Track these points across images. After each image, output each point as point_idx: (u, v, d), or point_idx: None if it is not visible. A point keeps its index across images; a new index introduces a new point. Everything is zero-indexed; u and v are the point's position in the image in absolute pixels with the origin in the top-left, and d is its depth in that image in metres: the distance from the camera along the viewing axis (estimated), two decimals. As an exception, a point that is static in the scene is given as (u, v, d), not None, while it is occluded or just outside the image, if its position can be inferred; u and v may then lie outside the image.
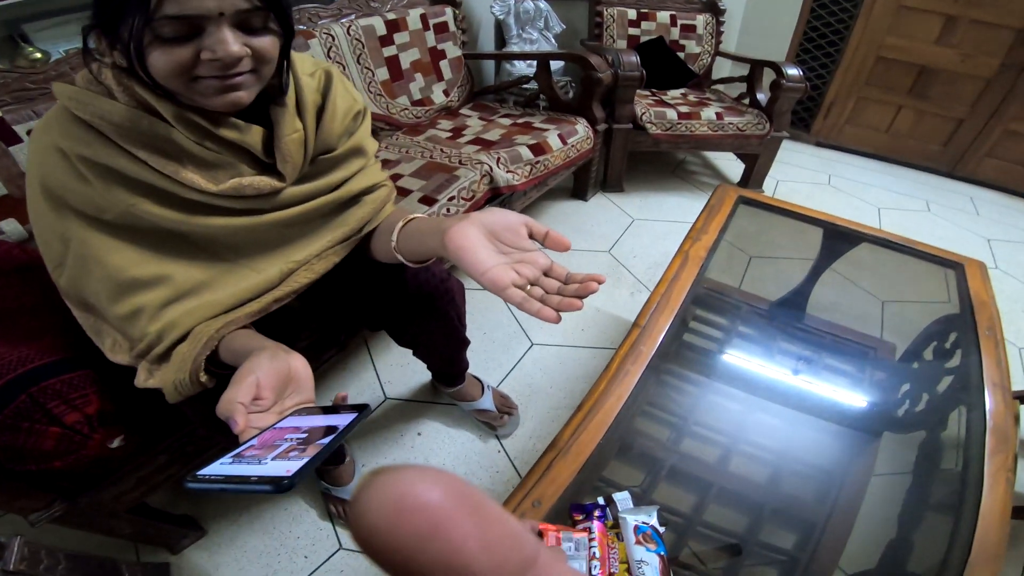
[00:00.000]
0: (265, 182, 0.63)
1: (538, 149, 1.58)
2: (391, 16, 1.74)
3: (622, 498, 0.72)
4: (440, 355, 1.05)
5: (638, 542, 0.64)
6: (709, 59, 2.42)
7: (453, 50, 1.95)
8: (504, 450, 1.22)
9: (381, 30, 1.70)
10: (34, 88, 1.06)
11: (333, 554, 1.05)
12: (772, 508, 0.89)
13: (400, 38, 1.76)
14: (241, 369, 0.50)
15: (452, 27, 1.94)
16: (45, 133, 0.57)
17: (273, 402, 0.49)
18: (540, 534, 0.62)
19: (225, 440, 0.73)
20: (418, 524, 0.19)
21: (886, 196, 2.43)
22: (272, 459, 0.40)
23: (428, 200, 1.25)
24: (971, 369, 0.90)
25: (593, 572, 0.60)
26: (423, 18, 1.83)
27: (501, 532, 0.21)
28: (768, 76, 2.07)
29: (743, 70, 2.29)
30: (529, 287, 0.53)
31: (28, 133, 1.01)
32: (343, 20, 1.65)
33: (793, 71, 1.96)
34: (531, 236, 0.57)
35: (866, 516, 0.87)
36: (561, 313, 0.51)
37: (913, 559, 0.78)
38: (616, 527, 0.67)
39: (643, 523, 0.67)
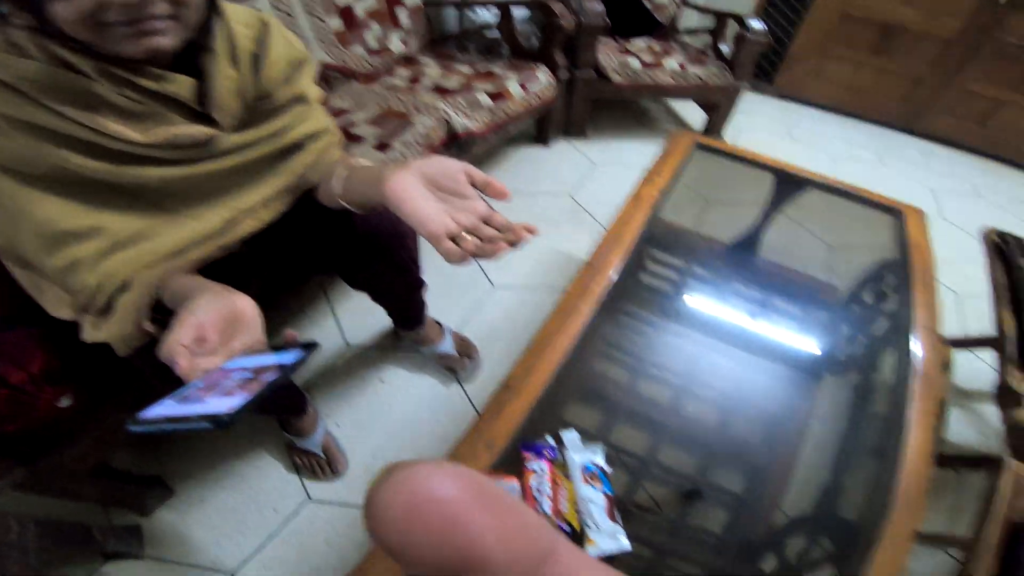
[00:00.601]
0: (200, 131, 0.62)
1: (498, 96, 1.56)
2: (341, -40, 1.65)
3: (570, 437, 0.74)
4: (395, 298, 1.07)
5: (585, 481, 0.69)
6: (676, 9, 2.40)
7: (410, -4, 1.88)
8: (466, 394, 1.26)
9: (331, -25, 1.62)
10: None
11: (300, 506, 1.08)
12: (722, 450, 0.93)
13: (352, -17, 1.68)
14: (182, 310, 0.50)
15: (408, -29, 1.86)
16: None
17: (218, 343, 0.49)
18: None
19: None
20: (435, 519, 0.19)
21: (842, 148, 2.52)
22: (215, 398, 0.41)
23: (382, 146, 1.23)
24: (903, 312, 0.96)
25: (543, 510, 0.64)
26: (377, -39, 1.75)
27: (517, 524, 0.21)
28: (733, 29, 2.08)
29: (710, 22, 2.30)
30: (468, 236, 0.54)
31: None
32: None
33: (756, 24, 1.98)
34: (473, 184, 0.58)
35: (808, 459, 0.91)
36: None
37: (845, 504, 0.83)
38: (565, 467, 0.70)
39: (590, 462, 0.71)
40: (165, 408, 0.41)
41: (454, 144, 1.45)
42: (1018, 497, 0.71)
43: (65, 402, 0.74)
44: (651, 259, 1.20)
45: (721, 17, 2.21)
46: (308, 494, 1.09)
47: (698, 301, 1.19)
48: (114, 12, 0.49)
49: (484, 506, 0.20)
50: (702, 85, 2.06)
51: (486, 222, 0.56)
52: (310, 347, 0.51)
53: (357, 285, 0.98)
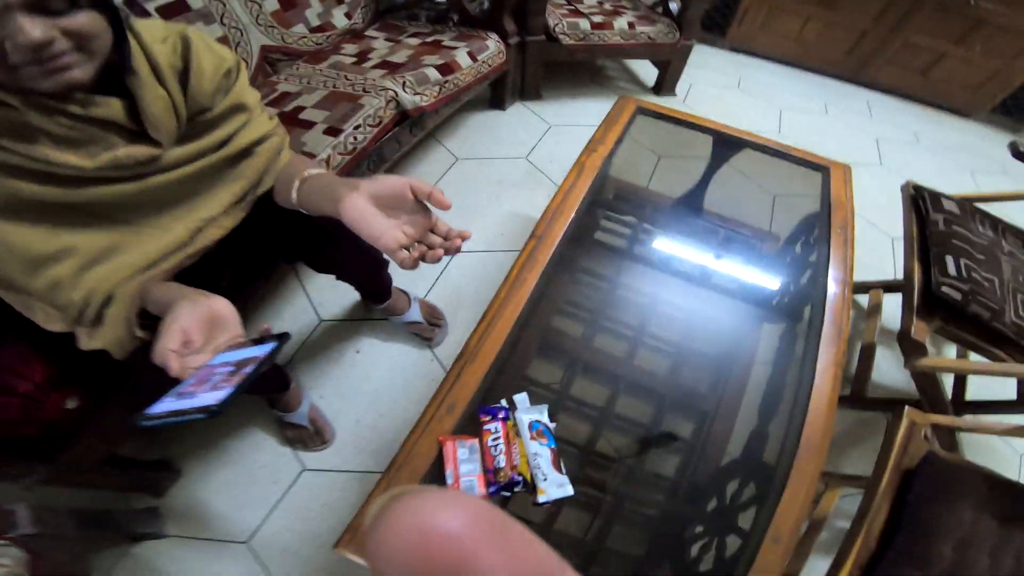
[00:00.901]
0: (142, 151, 0.65)
1: (446, 69, 1.59)
2: (274, -68, 1.60)
3: (520, 399, 0.85)
4: (360, 277, 1.14)
5: (532, 437, 0.79)
6: (626, -37, 2.41)
7: (353, -35, 1.85)
8: (437, 358, 1.36)
9: (264, -50, 1.57)
10: None
11: (297, 476, 1.18)
12: (673, 398, 1.03)
13: (287, -41, 1.64)
14: (166, 319, 0.58)
15: (349, -61, 1.82)
16: None
17: (203, 343, 0.58)
18: (440, 446, 0.75)
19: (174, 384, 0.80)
20: (443, 557, 0.18)
21: (790, 99, 2.62)
22: (206, 392, 0.50)
23: (333, 131, 1.27)
24: (820, 264, 1.07)
25: (499, 465, 0.74)
26: (313, -70, 1.70)
27: (528, 559, 0.21)
28: None
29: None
30: (417, 245, 0.64)
31: None
32: None
33: None
34: (417, 196, 0.65)
35: (748, 404, 1.01)
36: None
37: (768, 448, 0.90)
38: (515, 426, 0.81)
39: (535, 420, 0.81)
40: (165, 405, 0.50)
41: (405, 121, 1.48)
42: (910, 444, 0.83)
43: (72, 404, 0.82)
44: (603, 218, 1.29)
45: None
46: (303, 464, 1.19)
47: (648, 256, 1.28)
48: (17, 55, 0.51)
49: (495, 541, 0.19)
50: (651, 44, 2.10)
51: (431, 230, 0.65)
52: (283, 337, 0.60)
53: (321, 268, 1.05)
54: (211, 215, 0.77)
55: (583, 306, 1.17)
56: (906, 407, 0.88)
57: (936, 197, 1.29)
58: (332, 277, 1.12)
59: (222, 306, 0.61)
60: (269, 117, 0.84)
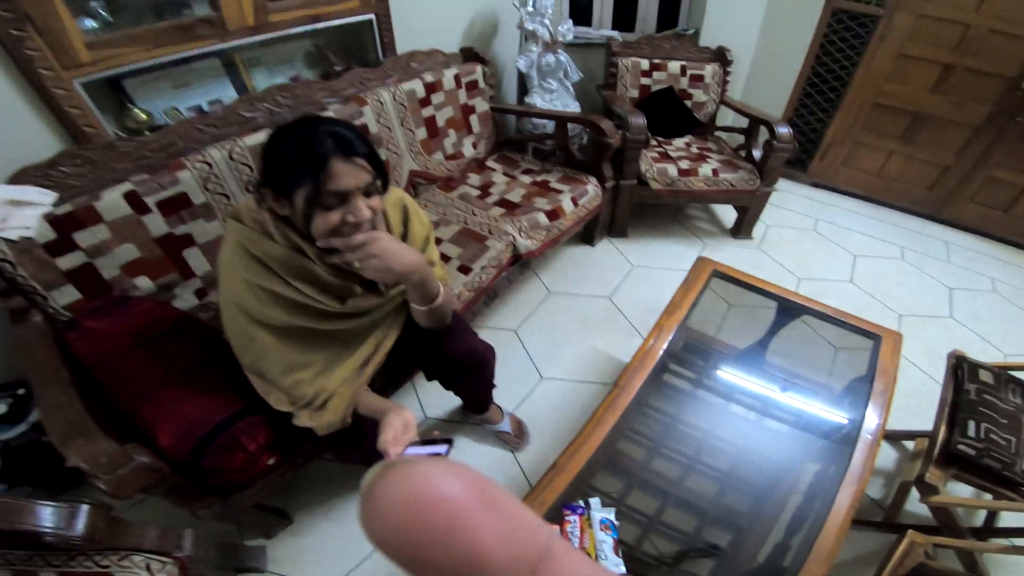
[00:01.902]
0: (372, 301, 1.04)
1: (553, 215, 1.97)
2: (429, 78, 2.08)
3: (595, 502, 1.13)
4: (475, 398, 1.49)
5: (601, 529, 1.06)
6: (714, 107, 2.76)
7: (482, 104, 2.33)
8: (517, 462, 1.65)
9: (421, 92, 2.05)
10: (151, 156, 1.40)
11: None
12: (715, 514, 1.28)
13: (437, 98, 2.12)
14: (383, 422, 0.94)
15: (481, 83, 2.30)
16: (233, 268, 0.94)
17: (400, 438, 0.92)
18: None
19: (343, 459, 1.20)
20: (436, 520, 0.20)
21: (865, 243, 2.78)
22: None
23: (464, 269, 1.66)
24: (857, 419, 1.28)
25: (573, 546, 1.02)
26: (456, 78, 2.18)
27: (517, 524, 0.22)
28: (765, 131, 2.39)
29: (744, 121, 2.61)
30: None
31: (156, 205, 1.36)
32: (388, 82, 1.98)
33: (783, 131, 2.29)
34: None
35: (780, 524, 1.24)
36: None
37: (787, 556, 1.13)
38: (589, 520, 1.08)
39: (604, 517, 1.09)
40: None
41: (516, 263, 1.86)
42: (907, 556, 1.03)
43: (271, 461, 1.16)
44: (673, 363, 1.57)
45: (753, 120, 2.53)
46: (391, 532, 1.49)
47: (708, 398, 1.54)
48: (347, 226, 0.88)
49: (485, 505, 0.21)
50: (732, 190, 2.40)
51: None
52: (451, 440, 0.91)
53: (448, 388, 1.41)
54: (386, 337, 1.14)
55: (645, 435, 1.44)
56: (909, 530, 1.09)
57: (974, 368, 1.47)
58: (438, 386, 1.44)
59: (410, 416, 0.96)
60: (441, 268, 1.20)
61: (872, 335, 1.54)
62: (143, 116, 1.54)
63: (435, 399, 1.80)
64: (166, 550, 1.03)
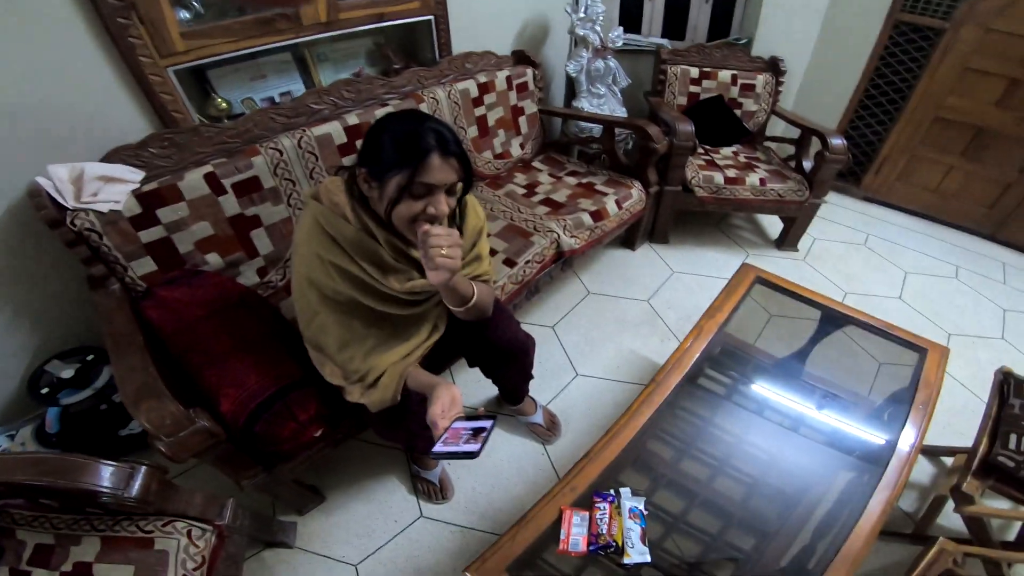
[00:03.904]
0: (426, 285, 1.09)
1: (597, 216, 2.02)
2: (483, 79, 2.18)
3: (625, 491, 1.17)
4: (512, 387, 1.56)
5: (630, 517, 1.11)
6: (765, 117, 2.75)
7: (531, 107, 2.41)
8: (547, 454, 1.70)
9: (474, 92, 2.15)
10: (230, 142, 1.53)
11: (415, 521, 1.54)
12: (741, 517, 1.29)
13: (489, 99, 2.21)
14: (431, 396, 1.00)
15: (531, 86, 2.39)
16: (308, 243, 1.03)
17: (448, 412, 0.98)
18: (560, 512, 1.08)
19: (386, 436, 1.28)
20: None
21: (918, 260, 2.70)
22: (463, 443, 0.89)
23: (510, 262, 1.73)
24: (896, 431, 1.28)
25: (601, 531, 1.06)
26: (508, 79, 2.27)
27: None
28: (817, 143, 2.37)
29: (795, 132, 2.59)
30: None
31: (232, 186, 1.48)
32: (444, 81, 2.09)
33: (837, 142, 2.25)
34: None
35: (806, 530, 1.24)
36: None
37: (812, 560, 1.14)
38: (619, 508, 1.13)
39: (634, 506, 1.13)
40: (440, 447, 0.90)
41: (559, 260, 1.92)
42: (936, 563, 1.03)
43: (318, 433, 1.25)
44: (710, 368, 1.59)
45: (805, 131, 2.49)
46: (421, 512, 1.56)
47: (742, 404, 1.56)
48: (425, 218, 0.95)
49: None
50: (780, 201, 2.39)
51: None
52: (494, 417, 0.98)
53: (488, 375, 1.49)
54: (435, 330, 1.22)
55: (676, 436, 1.47)
56: (940, 538, 1.08)
57: (1020, 384, 1.45)
58: (475, 373, 1.52)
59: (457, 392, 1.03)
60: (488, 263, 1.26)
61: (917, 348, 1.53)
62: (223, 105, 1.68)
63: (472, 389, 1.87)
64: (209, 517, 1.09)
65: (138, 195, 1.35)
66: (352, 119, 1.75)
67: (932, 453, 1.78)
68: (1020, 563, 1.24)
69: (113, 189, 1.33)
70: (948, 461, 1.75)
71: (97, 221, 1.28)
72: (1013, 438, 1.32)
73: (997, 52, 2.47)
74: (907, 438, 1.26)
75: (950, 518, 1.39)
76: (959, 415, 1.89)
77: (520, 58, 2.39)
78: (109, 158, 1.37)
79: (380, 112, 1.83)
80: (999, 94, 2.55)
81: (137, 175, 1.38)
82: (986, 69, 2.53)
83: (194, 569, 1.01)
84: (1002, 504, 1.51)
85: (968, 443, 1.41)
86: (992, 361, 2.08)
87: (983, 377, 2.02)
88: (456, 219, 1.14)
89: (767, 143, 2.82)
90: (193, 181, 1.42)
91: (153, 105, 1.46)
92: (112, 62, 1.36)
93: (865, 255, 2.73)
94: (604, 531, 1.07)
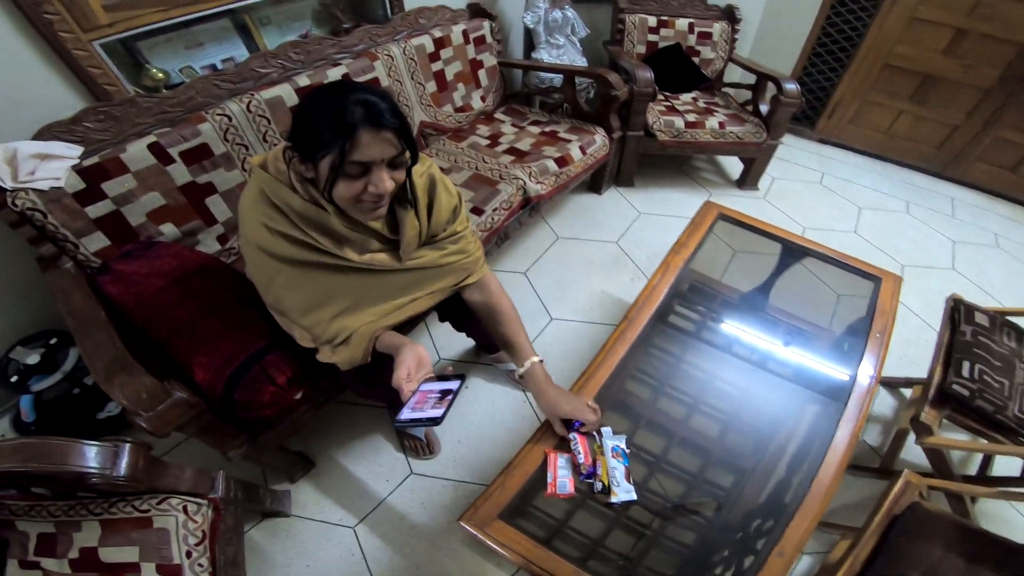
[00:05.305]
0: (388, 261, 1.05)
1: (562, 161, 2.00)
2: (438, 33, 2.11)
3: (606, 431, 1.17)
4: (483, 338, 1.55)
5: (612, 456, 1.11)
6: (722, 64, 2.76)
7: (490, 60, 2.34)
8: (528, 400, 1.72)
9: (430, 47, 2.08)
10: (171, 111, 1.45)
11: (405, 478, 1.54)
12: (718, 454, 1.31)
13: (445, 53, 2.14)
14: (397, 358, 0.95)
15: (489, 39, 2.32)
16: (253, 212, 0.96)
17: (414, 375, 0.94)
18: (546, 456, 1.09)
19: (364, 395, 1.24)
20: None
21: (871, 196, 2.80)
22: (428, 409, 0.85)
23: (477, 211, 1.71)
24: (855, 360, 1.33)
25: (579, 460, 1.08)
26: (464, 33, 2.20)
27: None
28: (772, 89, 2.41)
29: (752, 79, 2.62)
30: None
31: (179, 155, 1.41)
32: (397, 38, 2.01)
33: (791, 87, 2.31)
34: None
35: (782, 464, 1.27)
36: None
37: (787, 493, 1.17)
38: (601, 448, 1.14)
39: (616, 445, 1.14)
40: (406, 414, 0.86)
41: (527, 206, 1.90)
42: (902, 497, 1.08)
43: (298, 396, 1.22)
44: (678, 305, 1.61)
45: (761, 77, 2.53)
46: (412, 469, 1.56)
47: (712, 339, 1.58)
48: (368, 195, 0.90)
49: None
50: (739, 142, 2.42)
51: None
52: (463, 376, 0.95)
53: (459, 329, 1.48)
54: (418, 296, 1.16)
55: (651, 375, 1.49)
56: (905, 470, 1.13)
57: (971, 311, 1.51)
58: (450, 324, 1.50)
59: (423, 352, 0.98)
60: (472, 239, 1.22)
61: (872, 277, 1.58)
62: (160, 75, 1.59)
63: (448, 340, 1.87)
64: (201, 491, 1.07)
65: (79, 170, 1.27)
66: (303, 80, 1.67)
67: (892, 385, 1.85)
68: (982, 496, 1.26)
69: (51, 166, 1.25)
70: (908, 393, 1.81)
71: (39, 200, 1.21)
72: (966, 365, 1.35)
73: (943, 2, 2.53)
74: (866, 369, 1.29)
75: (914, 452, 1.43)
76: (914, 345, 1.98)
77: (476, 11, 2.31)
78: (41, 135, 1.28)
79: (333, 72, 1.76)
80: (945, 43, 2.62)
81: (75, 150, 1.30)
82: (933, 19, 2.60)
83: (196, 544, 1.00)
84: (963, 437, 1.57)
85: (925, 373, 1.44)
86: (944, 291, 2.14)
87: (937, 306, 2.09)
88: (407, 194, 1.04)
89: (725, 89, 2.83)
90: (136, 152, 1.34)
91: (82, 80, 1.38)
92: (31, 41, 1.28)
93: (821, 192, 2.80)
94: (581, 460, 1.08)
